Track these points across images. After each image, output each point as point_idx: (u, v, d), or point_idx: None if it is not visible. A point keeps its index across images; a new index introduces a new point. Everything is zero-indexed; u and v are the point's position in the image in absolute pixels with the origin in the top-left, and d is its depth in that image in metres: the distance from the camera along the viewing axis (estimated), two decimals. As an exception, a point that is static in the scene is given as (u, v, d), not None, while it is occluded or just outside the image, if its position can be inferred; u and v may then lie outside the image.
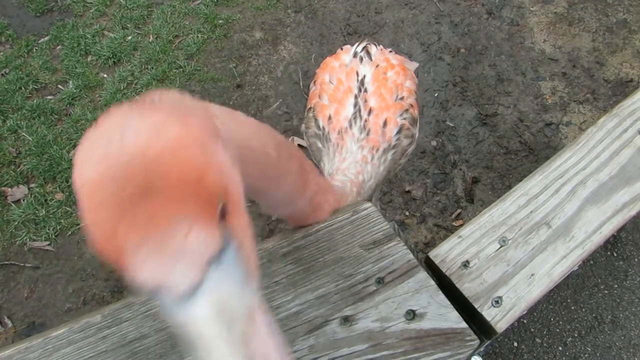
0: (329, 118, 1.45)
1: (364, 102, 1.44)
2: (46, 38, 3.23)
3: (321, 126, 1.46)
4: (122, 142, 0.44)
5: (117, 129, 0.45)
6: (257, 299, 0.51)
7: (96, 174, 0.43)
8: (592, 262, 2.36)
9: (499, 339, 2.19)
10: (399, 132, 1.44)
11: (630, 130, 1.16)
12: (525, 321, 2.24)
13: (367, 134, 1.40)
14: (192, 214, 0.44)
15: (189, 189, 0.44)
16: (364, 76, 1.49)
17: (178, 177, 0.43)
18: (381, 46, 1.65)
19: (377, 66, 1.52)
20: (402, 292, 0.89)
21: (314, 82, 1.60)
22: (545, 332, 2.22)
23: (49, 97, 2.98)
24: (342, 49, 1.65)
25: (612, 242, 2.40)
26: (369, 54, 1.57)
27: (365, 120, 1.41)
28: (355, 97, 1.45)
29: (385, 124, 1.42)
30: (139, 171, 0.42)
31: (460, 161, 2.63)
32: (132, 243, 0.43)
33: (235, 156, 0.54)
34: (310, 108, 1.53)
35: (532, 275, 0.98)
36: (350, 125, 1.41)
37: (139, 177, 0.42)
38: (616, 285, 2.31)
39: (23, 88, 2.98)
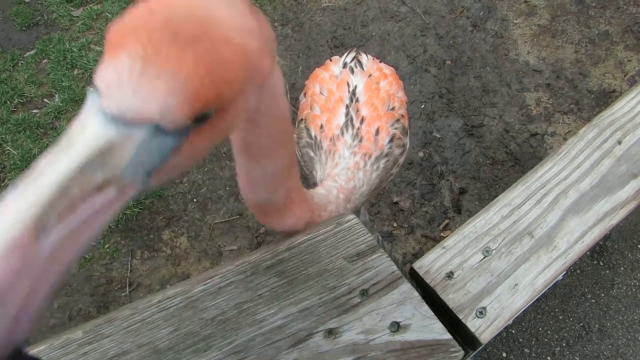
0: (321, 127, 1.45)
1: (356, 112, 1.44)
2: (32, 52, 3.21)
3: (313, 135, 1.46)
4: None
5: None
6: (129, 195, 0.49)
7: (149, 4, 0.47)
8: (578, 271, 2.38)
9: (487, 350, 2.19)
10: (390, 140, 1.44)
11: (610, 140, 1.17)
12: (513, 331, 2.24)
13: (360, 141, 1.40)
14: (182, 82, 0.44)
15: (201, 58, 0.45)
16: (355, 87, 1.50)
17: (200, 32, 0.45)
18: (371, 55, 1.66)
19: (369, 76, 1.53)
20: (386, 304, 0.89)
21: (304, 93, 1.61)
22: (533, 342, 2.22)
23: (34, 111, 2.96)
24: (330, 60, 1.65)
25: (598, 251, 2.42)
26: (360, 63, 1.58)
27: (358, 129, 1.42)
28: (347, 106, 1.46)
29: (377, 132, 1.43)
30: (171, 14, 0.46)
31: (447, 172, 2.65)
32: (123, 50, 0.46)
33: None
34: (301, 119, 1.54)
35: (516, 285, 0.98)
36: (342, 133, 1.42)
37: (171, 22, 0.45)
38: (603, 294, 2.33)
39: (8, 102, 2.96)
